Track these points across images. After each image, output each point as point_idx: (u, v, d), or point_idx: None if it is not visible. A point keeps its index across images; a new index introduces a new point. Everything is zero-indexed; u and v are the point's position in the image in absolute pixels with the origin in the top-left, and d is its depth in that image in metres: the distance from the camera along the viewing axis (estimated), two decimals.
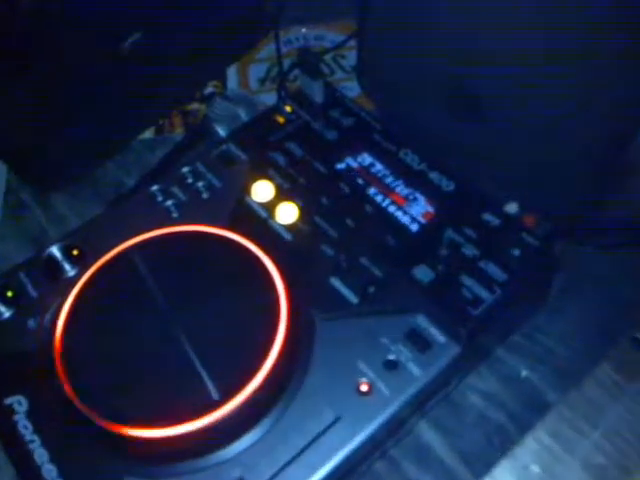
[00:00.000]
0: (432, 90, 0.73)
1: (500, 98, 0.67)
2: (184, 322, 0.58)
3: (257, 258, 0.61)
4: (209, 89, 0.98)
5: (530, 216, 0.76)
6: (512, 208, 0.74)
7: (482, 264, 0.64)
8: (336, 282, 0.63)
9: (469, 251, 0.65)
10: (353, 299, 0.62)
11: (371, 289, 0.63)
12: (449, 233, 0.66)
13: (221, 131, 0.86)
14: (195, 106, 0.96)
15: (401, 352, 0.58)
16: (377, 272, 0.64)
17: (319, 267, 0.64)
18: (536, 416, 0.60)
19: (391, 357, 0.58)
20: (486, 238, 0.64)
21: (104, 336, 0.57)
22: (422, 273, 0.64)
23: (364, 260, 0.65)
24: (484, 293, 0.62)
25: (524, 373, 0.65)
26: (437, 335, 0.59)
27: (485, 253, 0.64)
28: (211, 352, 0.56)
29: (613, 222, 0.67)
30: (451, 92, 0.70)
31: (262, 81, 0.98)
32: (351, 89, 0.91)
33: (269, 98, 0.94)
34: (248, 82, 0.98)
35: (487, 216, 0.67)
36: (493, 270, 0.63)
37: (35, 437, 0.54)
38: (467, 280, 0.62)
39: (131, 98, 0.84)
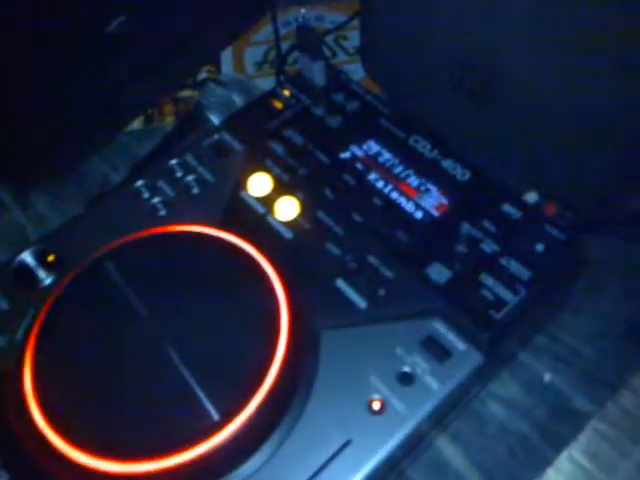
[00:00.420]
0: (441, 72, 0.67)
1: (514, 82, 0.62)
2: (173, 337, 0.51)
3: (254, 260, 0.55)
4: (202, 74, 0.92)
5: (551, 205, 0.68)
6: (531, 197, 0.68)
7: (503, 261, 0.58)
8: (342, 285, 0.57)
9: (488, 247, 0.58)
10: (361, 304, 0.56)
11: (381, 292, 0.57)
12: (466, 227, 0.60)
13: (214, 119, 0.80)
14: (187, 93, 0.91)
15: (417, 363, 0.52)
16: (387, 272, 0.58)
17: (323, 268, 0.58)
18: (563, 425, 0.54)
19: (406, 369, 0.52)
20: (506, 232, 0.59)
21: (82, 356, 0.51)
22: (437, 272, 0.58)
23: (372, 259, 0.59)
24: (507, 294, 0.56)
25: (547, 377, 0.59)
26: (456, 342, 0.53)
27: (506, 249, 0.58)
28: (205, 369, 0.49)
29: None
30: (462, 73, 0.64)
31: (259, 65, 0.93)
32: (355, 72, 0.86)
33: (267, 83, 0.88)
34: (244, 66, 0.91)
35: (507, 207, 0.61)
36: (516, 268, 0.57)
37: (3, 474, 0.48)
38: (487, 279, 0.56)
39: (118, 85, 0.77)
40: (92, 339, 0.51)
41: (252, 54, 0.94)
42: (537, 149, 0.64)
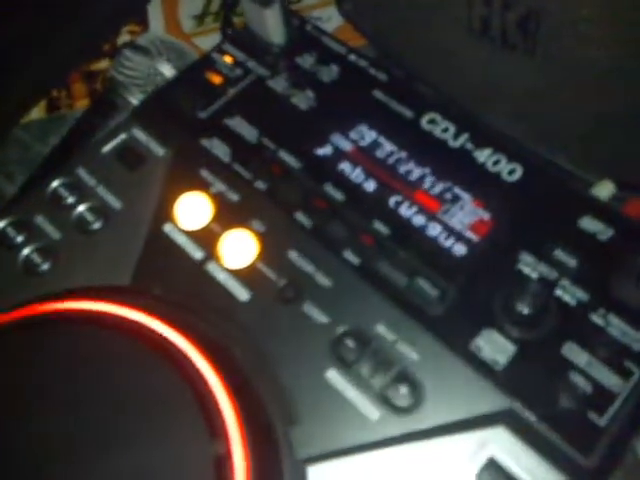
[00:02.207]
0: (457, 8, 0.49)
1: (566, 21, 0.43)
2: None
3: (184, 363, 0.31)
4: (123, 38, 0.72)
5: (635, 200, 0.48)
6: (604, 190, 0.47)
7: (597, 318, 0.36)
8: (338, 381, 0.36)
9: (569, 295, 0.37)
10: (373, 413, 0.34)
11: (402, 389, 0.33)
12: (528, 261, 0.37)
13: (135, 101, 0.58)
14: (104, 64, 0.71)
15: None
16: (408, 352, 0.36)
17: (305, 353, 0.37)
18: None
19: None
20: (594, 265, 0.38)
21: None
22: (490, 347, 0.36)
23: (381, 329, 0.36)
24: (611, 378, 0.35)
25: None
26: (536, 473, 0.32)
27: (599, 295, 0.37)
28: None
29: None
30: (488, 10, 0.47)
31: (199, 18, 0.73)
32: (327, 19, 0.68)
33: (210, 43, 0.62)
34: (179, 21, 0.69)
35: (588, 222, 0.38)
36: (620, 328, 0.36)
37: None
38: (576, 354, 0.35)
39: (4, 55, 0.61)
40: None
41: (189, 4, 0.74)
42: (597, 118, 0.47)
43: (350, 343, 0.37)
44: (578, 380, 0.35)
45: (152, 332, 0.35)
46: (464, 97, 0.55)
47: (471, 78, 0.54)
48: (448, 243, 0.40)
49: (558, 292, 0.37)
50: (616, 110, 0.46)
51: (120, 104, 0.59)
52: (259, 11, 0.47)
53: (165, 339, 0.34)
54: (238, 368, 0.35)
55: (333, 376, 0.36)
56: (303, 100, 0.47)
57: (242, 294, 0.39)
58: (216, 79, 0.48)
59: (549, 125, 0.52)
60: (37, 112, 0.68)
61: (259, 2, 0.47)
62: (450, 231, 0.41)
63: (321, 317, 0.38)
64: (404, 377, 0.36)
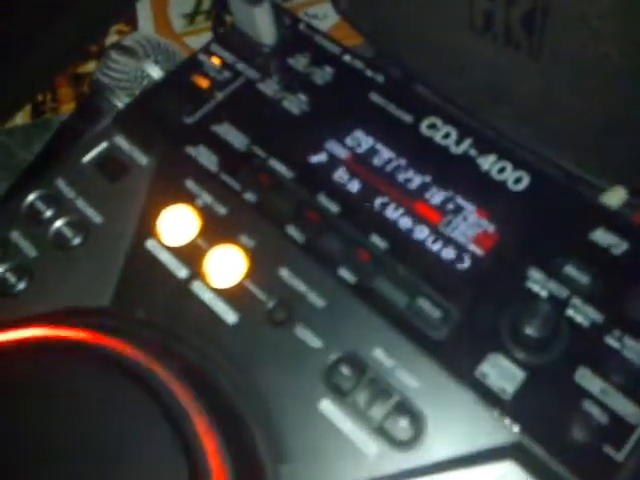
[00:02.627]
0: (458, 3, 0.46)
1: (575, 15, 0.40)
2: None
3: (163, 396, 0.28)
4: (111, 38, 0.70)
5: None
6: (615, 197, 0.44)
7: (612, 341, 0.34)
8: (332, 414, 0.33)
9: (582, 316, 0.35)
10: (370, 448, 0.31)
11: (403, 422, 0.30)
12: (537, 278, 0.34)
13: (121, 104, 0.55)
14: (91, 66, 0.69)
15: None
16: (408, 381, 0.34)
17: (295, 379, 0.34)
18: None
19: None
20: (609, 282, 0.35)
21: None
22: (497, 373, 0.34)
23: (380, 354, 0.33)
24: (629, 408, 0.32)
25: None
26: None
27: (613, 316, 0.34)
28: None
29: None
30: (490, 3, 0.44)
31: (190, 17, 0.70)
32: (322, 17, 0.65)
33: (201, 41, 0.60)
34: (169, 21, 0.63)
35: (601, 235, 0.36)
36: (636, 351, 0.33)
37: None
38: (590, 381, 0.33)
39: None
40: None
41: (179, 2, 0.72)
42: (607, 121, 0.44)
43: (345, 370, 0.34)
44: (592, 410, 0.32)
45: (128, 361, 0.32)
46: (465, 99, 0.52)
47: (473, 78, 0.51)
48: (450, 258, 0.37)
49: (570, 312, 0.35)
50: (627, 112, 0.44)
51: (106, 108, 0.56)
52: (248, 9, 0.44)
53: (142, 369, 0.31)
54: (223, 399, 0.32)
55: (327, 407, 0.34)
56: (295, 104, 0.44)
57: (229, 316, 0.37)
58: (203, 82, 0.46)
59: (555, 128, 0.49)
60: (22, 117, 0.65)
61: (248, 0, 0.44)
62: (452, 244, 0.38)
63: (314, 341, 0.35)
64: (404, 407, 0.33)
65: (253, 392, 0.34)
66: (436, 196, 0.40)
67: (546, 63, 0.46)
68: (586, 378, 0.33)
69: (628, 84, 0.43)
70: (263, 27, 0.45)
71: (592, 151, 0.46)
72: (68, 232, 0.41)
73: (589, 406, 0.32)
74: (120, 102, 0.55)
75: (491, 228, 0.38)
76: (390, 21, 0.56)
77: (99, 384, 0.31)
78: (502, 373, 0.33)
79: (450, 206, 0.39)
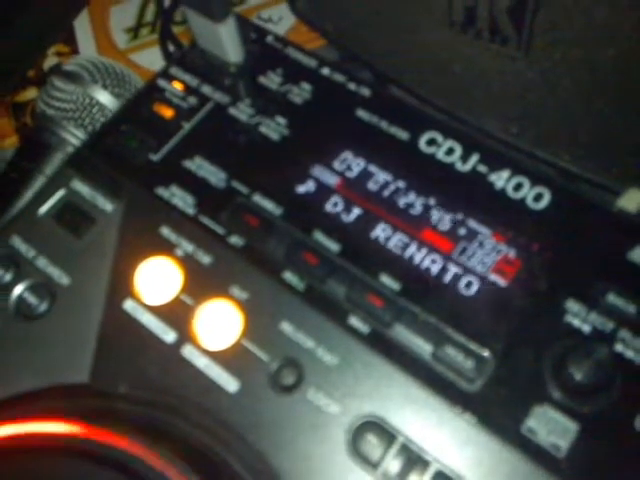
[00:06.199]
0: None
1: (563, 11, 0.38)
2: None
3: None
4: (50, 61, 0.64)
5: None
6: (633, 201, 0.39)
7: None
8: None
9: (633, 349, 0.31)
10: None
11: None
12: (573, 309, 0.29)
13: (72, 138, 0.49)
14: (31, 93, 0.63)
15: None
16: (446, 445, 0.28)
17: (315, 453, 0.30)
18: None
19: None
20: None
21: None
22: (544, 428, 0.29)
23: (407, 413, 0.27)
24: None
25: None
26: None
27: None
28: None
29: None
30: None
31: (133, 31, 0.65)
32: (277, 21, 0.61)
33: (149, 58, 0.54)
34: (111, 37, 0.57)
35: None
36: None
37: None
38: None
39: None
40: None
41: (120, 15, 0.66)
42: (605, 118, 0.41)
43: (372, 438, 0.29)
44: None
45: (114, 452, 0.27)
46: (447, 102, 0.48)
47: (453, 79, 0.48)
48: (471, 293, 0.33)
49: (618, 347, 0.30)
50: (631, 109, 0.41)
51: (54, 142, 0.50)
52: (211, 27, 0.39)
53: (130, 459, 0.26)
54: None
55: None
56: (273, 129, 0.39)
57: (229, 383, 0.32)
58: (166, 112, 0.40)
59: (550, 126, 0.45)
60: None
61: (210, 16, 0.38)
62: (470, 275, 0.33)
63: (330, 406, 0.30)
64: (444, 477, 0.28)
65: (267, 472, 0.29)
66: (444, 219, 0.35)
67: (536, 56, 0.43)
68: None
69: (627, 80, 0.40)
70: (228, 44, 0.40)
71: (604, 152, 0.42)
72: (32, 298, 0.35)
73: None
74: (69, 135, 0.50)
75: (512, 253, 0.34)
76: (356, 20, 0.52)
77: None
78: (552, 427, 0.29)
79: (462, 232, 0.35)
